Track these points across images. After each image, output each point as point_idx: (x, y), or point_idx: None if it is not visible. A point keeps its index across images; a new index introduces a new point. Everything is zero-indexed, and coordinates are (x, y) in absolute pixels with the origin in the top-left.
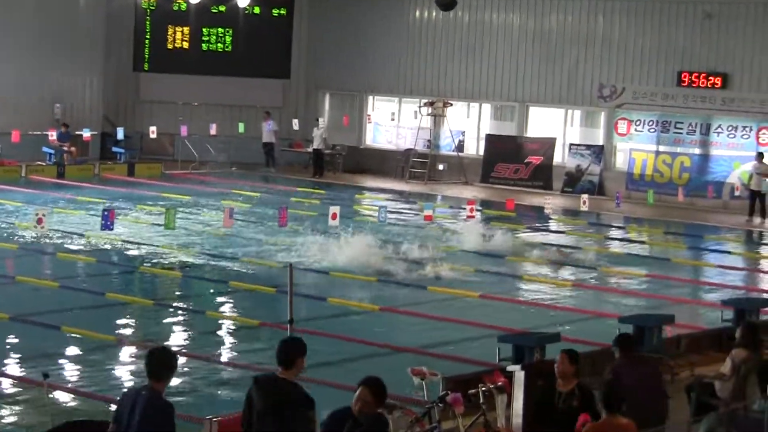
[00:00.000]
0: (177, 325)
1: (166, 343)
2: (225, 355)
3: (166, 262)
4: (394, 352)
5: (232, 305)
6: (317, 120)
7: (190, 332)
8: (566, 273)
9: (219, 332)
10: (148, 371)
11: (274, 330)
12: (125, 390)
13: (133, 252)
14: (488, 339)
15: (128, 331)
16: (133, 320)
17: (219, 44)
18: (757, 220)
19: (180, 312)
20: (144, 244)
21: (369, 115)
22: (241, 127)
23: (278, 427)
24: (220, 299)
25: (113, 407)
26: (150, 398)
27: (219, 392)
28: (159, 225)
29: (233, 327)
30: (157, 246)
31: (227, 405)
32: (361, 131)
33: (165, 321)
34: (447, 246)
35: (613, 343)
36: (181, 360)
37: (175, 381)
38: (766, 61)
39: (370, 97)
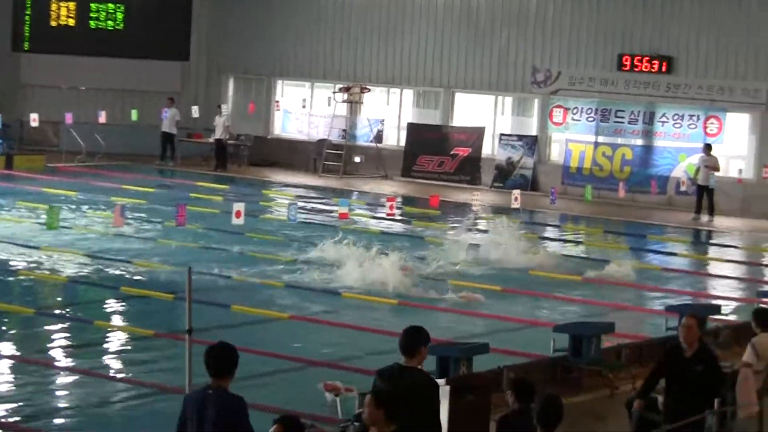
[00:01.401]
0: (62, 337)
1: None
2: (116, 369)
3: (49, 266)
4: (306, 366)
5: (124, 314)
6: (219, 107)
7: (76, 344)
8: (496, 278)
9: (109, 344)
10: (210, 369)
11: (170, 341)
12: (188, 393)
13: (12, 255)
14: None
15: (5, 344)
16: (12, 331)
17: (109, 21)
18: (704, 218)
19: (65, 321)
20: (24, 246)
21: (277, 102)
22: (134, 115)
23: (411, 414)
24: (110, 307)
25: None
26: (220, 396)
27: (109, 410)
28: (41, 224)
29: (125, 338)
30: (39, 248)
31: (119, 425)
32: (269, 120)
33: (48, 332)
34: (365, 247)
35: (508, 386)
36: (68, 377)
37: (62, 400)
38: (714, 43)
39: (279, 82)
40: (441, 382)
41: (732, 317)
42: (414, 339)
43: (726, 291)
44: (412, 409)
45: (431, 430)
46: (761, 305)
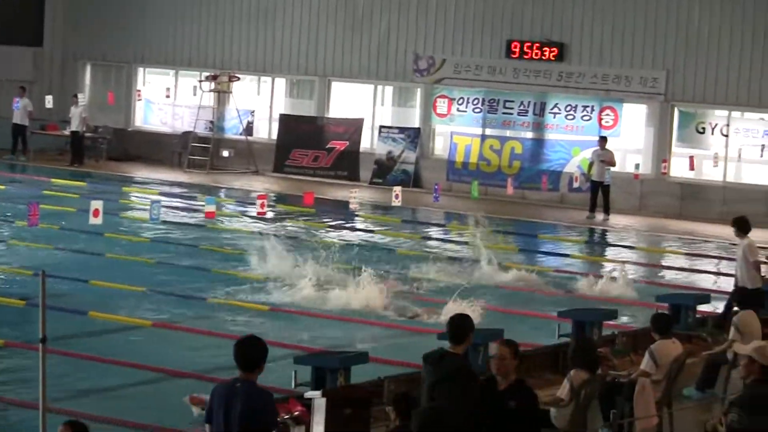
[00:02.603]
0: None
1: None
2: None
3: None
4: (170, 377)
5: None
6: (76, 97)
7: None
8: (376, 281)
9: None
10: (240, 362)
11: (22, 351)
12: (216, 387)
13: None
14: (283, 360)
15: None
16: None
17: None
18: (599, 216)
19: None
20: None
21: (139, 91)
22: None
23: (447, 398)
24: None
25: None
26: (248, 390)
27: None
28: None
29: None
30: None
31: None
32: (130, 110)
33: None
34: (234, 248)
35: (389, 402)
36: None
37: None
38: (609, 28)
39: (140, 69)
40: (316, 394)
41: (629, 323)
42: (462, 326)
43: (623, 294)
44: (450, 391)
45: (467, 416)
46: (660, 310)
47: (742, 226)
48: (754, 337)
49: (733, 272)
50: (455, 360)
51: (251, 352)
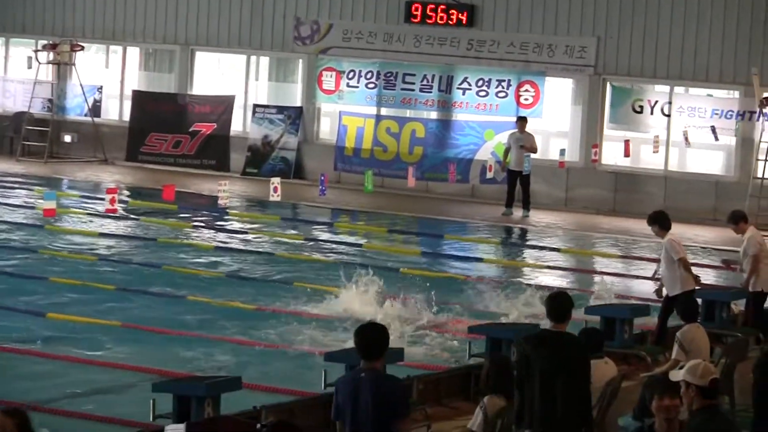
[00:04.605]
0: None
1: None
2: None
3: None
4: None
5: None
6: None
7: None
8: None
9: None
10: (362, 351)
11: None
12: (339, 380)
13: None
14: (139, 387)
15: None
16: None
17: None
18: (518, 212)
19: None
20: None
21: None
22: None
23: (569, 381)
24: None
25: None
26: (375, 379)
27: None
28: None
29: None
30: None
31: None
32: None
33: None
34: (78, 253)
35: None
36: None
37: None
38: None
39: None
40: (180, 427)
41: None
42: (566, 303)
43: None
44: (574, 373)
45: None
46: (589, 325)
47: (663, 222)
48: (701, 355)
49: None
50: (569, 338)
51: (374, 339)
